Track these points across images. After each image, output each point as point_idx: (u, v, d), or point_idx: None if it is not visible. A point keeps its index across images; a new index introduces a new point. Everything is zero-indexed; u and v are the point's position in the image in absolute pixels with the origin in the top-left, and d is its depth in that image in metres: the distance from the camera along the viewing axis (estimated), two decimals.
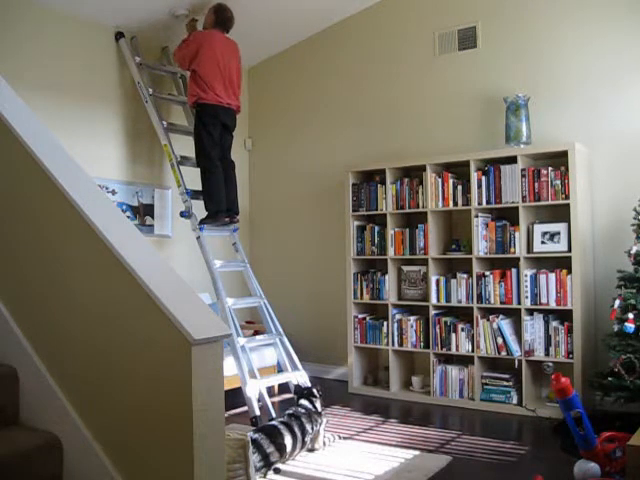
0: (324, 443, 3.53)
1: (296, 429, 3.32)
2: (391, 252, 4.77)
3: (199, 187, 4.76)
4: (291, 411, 3.50)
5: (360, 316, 4.93)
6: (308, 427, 3.40)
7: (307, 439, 3.39)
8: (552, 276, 4.12)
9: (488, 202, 4.37)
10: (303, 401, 3.61)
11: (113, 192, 4.73)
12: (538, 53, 4.51)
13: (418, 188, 4.68)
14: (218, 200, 4.49)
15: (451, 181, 4.54)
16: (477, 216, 4.40)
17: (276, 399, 4.66)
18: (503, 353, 4.27)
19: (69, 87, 4.50)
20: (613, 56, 4.23)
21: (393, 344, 4.73)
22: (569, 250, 4.06)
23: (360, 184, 4.97)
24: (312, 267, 5.58)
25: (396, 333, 4.73)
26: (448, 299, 4.53)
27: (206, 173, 4.51)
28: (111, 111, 4.79)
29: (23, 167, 2.35)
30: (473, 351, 4.38)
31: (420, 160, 4.66)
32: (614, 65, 4.23)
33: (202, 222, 4.50)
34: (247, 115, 6.01)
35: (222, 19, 4.64)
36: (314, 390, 3.71)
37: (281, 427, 3.28)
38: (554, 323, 4.14)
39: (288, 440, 3.23)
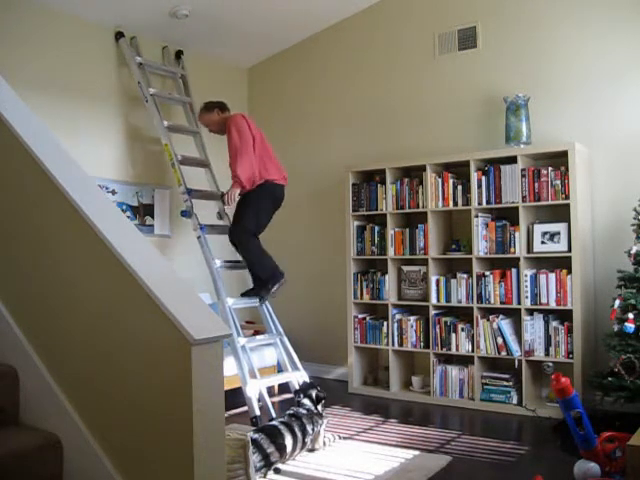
0: (324, 443, 3.53)
1: (297, 429, 3.32)
2: (391, 252, 4.77)
3: (199, 187, 4.77)
4: (292, 411, 3.50)
5: (360, 316, 4.93)
6: (309, 428, 3.39)
7: (307, 439, 3.39)
8: (552, 276, 4.12)
9: (488, 202, 4.37)
10: (305, 401, 3.61)
11: (113, 192, 4.73)
12: (538, 53, 4.52)
13: (418, 188, 4.68)
14: (267, 265, 4.41)
15: (451, 181, 4.54)
16: (477, 216, 4.40)
17: (276, 399, 4.66)
18: (503, 353, 4.27)
19: (69, 87, 4.50)
20: (613, 56, 4.23)
21: (393, 344, 4.73)
22: (569, 250, 4.06)
23: (360, 184, 4.97)
24: (312, 267, 5.57)
25: (396, 333, 4.73)
26: (448, 299, 4.53)
27: (248, 243, 4.40)
28: (111, 111, 4.79)
29: (23, 167, 2.35)
30: (473, 351, 4.38)
31: (420, 160, 4.66)
32: (614, 65, 4.23)
33: (245, 295, 4.45)
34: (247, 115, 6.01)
35: (222, 105, 4.66)
36: (318, 392, 3.69)
37: (281, 427, 3.28)
38: (554, 323, 4.14)
39: (288, 440, 3.23)
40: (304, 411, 3.50)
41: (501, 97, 4.49)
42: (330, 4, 5.16)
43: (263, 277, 4.40)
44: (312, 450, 3.46)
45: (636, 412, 3.62)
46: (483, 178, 4.39)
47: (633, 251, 3.70)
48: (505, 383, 4.28)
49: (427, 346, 4.60)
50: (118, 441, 2.05)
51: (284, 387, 4.54)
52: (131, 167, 4.92)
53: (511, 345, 4.23)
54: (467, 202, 4.46)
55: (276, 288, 4.41)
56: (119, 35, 4.81)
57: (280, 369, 4.61)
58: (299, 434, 3.31)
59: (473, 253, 4.41)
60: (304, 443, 3.36)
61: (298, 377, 4.31)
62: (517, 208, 4.24)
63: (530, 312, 4.22)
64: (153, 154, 5.07)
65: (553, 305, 4.12)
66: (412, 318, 4.70)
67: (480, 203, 4.40)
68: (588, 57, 4.33)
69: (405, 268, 4.82)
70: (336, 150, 5.45)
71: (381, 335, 4.80)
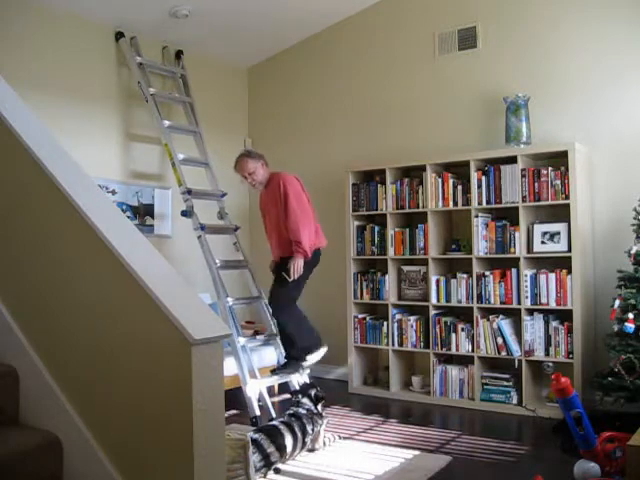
0: (324, 443, 3.53)
1: (297, 429, 3.32)
2: (391, 252, 4.77)
3: (200, 187, 4.76)
4: (292, 411, 3.50)
5: (360, 316, 4.93)
6: (309, 428, 3.39)
7: (307, 439, 3.39)
8: (552, 276, 4.12)
9: (488, 202, 4.37)
10: (305, 400, 3.60)
11: (113, 192, 4.73)
12: (538, 53, 4.52)
13: (418, 188, 4.68)
14: (311, 332, 4.22)
15: (451, 181, 4.54)
16: (477, 216, 4.40)
17: (276, 399, 4.66)
18: (503, 353, 4.27)
19: (69, 87, 4.50)
20: (613, 56, 4.24)
21: (393, 344, 4.73)
22: (569, 250, 4.06)
23: (360, 184, 4.97)
24: None
25: (396, 333, 4.73)
26: (448, 299, 4.53)
27: (292, 311, 4.20)
28: (111, 111, 4.79)
29: (23, 167, 2.35)
30: (473, 351, 4.38)
31: (420, 160, 4.66)
32: (614, 65, 4.23)
33: (278, 370, 4.23)
34: (247, 115, 6.02)
35: (264, 158, 4.30)
36: (317, 391, 3.69)
37: (281, 427, 3.28)
38: (554, 323, 4.14)
39: (288, 440, 3.23)
40: (304, 411, 3.50)
41: (501, 97, 4.48)
42: (330, 4, 5.16)
43: (304, 345, 4.13)
44: (312, 450, 3.46)
45: (636, 412, 3.61)
46: (483, 178, 4.39)
47: (633, 251, 3.70)
48: (505, 383, 4.28)
49: (427, 346, 4.60)
50: (118, 441, 2.05)
51: (284, 387, 4.54)
52: (131, 167, 4.92)
53: (511, 345, 4.23)
54: (467, 202, 4.46)
55: (315, 357, 4.14)
56: (119, 35, 4.81)
57: None
58: (299, 434, 3.31)
59: (473, 253, 4.41)
60: (304, 443, 3.36)
61: (298, 377, 4.30)
62: (517, 208, 4.24)
63: (530, 312, 4.22)
64: (153, 154, 5.07)
65: (553, 305, 4.12)
66: (412, 318, 4.70)
67: (480, 203, 4.40)
68: (588, 57, 4.33)
69: (405, 268, 4.82)
70: (336, 150, 5.45)
71: (381, 335, 4.80)
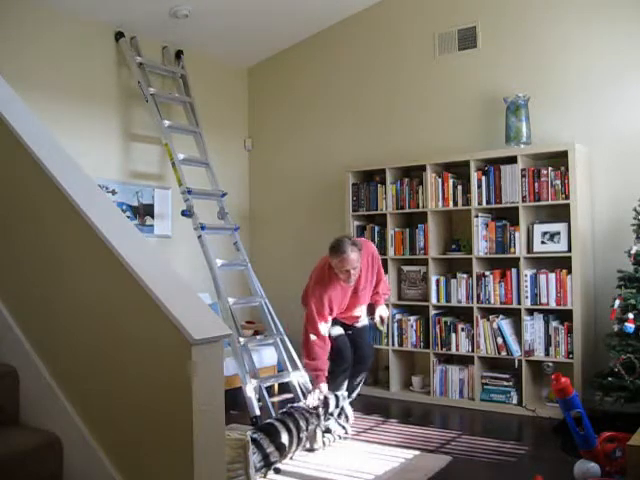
0: (324, 443, 3.53)
1: (291, 425, 3.35)
2: (391, 252, 4.77)
3: (200, 187, 4.76)
4: (285, 409, 3.54)
5: None
6: (302, 423, 3.40)
7: (302, 435, 3.39)
8: (552, 276, 4.12)
9: (488, 202, 4.37)
10: (303, 398, 3.62)
11: (113, 192, 4.73)
12: (538, 53, 4.51)
13: (418, 188, 4.68)
14: None
15: (451, 181, 4.54)
16: (477, 216, 4.40)
17: (276, 399, 4.66)
18: (503, 353, 4.27)
19: (69, 87, 4.50)
20: (613, 56, 4.23)
21: (393, 344, 4.73)
22: (569, 250, 4.06)
23: (360, 184, 4.97)
24: (312, 267, 5.55)
25: (396, 333, 4.73)
26: (448, 299, 4.53)
27: None
28: (111, 111, 4.79)
29: (23, 167, 2.34)
30: (473, 351, 4.38)
31: (420, 160, 4.67)
32: (614, 65, 4.23)
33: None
34: (247, 115, 6.02)
35: None
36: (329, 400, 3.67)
37: (277, 424, 3.32)
38: (554, 323, 4.14)
39: (285, 437, 3.26)
40: (296, 408, 3.53)
41: (501, 97, 4.48)
42: (330, 5, 5.15)
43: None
44: (312, 450, 3.47)
45: (636, 412, 3.61)
46: (483, 178, 4.39)
47: (633, 251, 3.70)
48: (505, 383, 4.28)
49: (427, 346, 4.60)
50: (118, 441, 2.05)
51: (284, 387, 4.54)
52: (131, 167, 4.92)
53: (511, 345, 4.23)
54: (467, 202, 4.46)
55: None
56: (119, 35, 4.81)
57: (280, 369, 4.61)
58: (293, 429, 3.33)
59: (473, 253, 4.41)
60: (299, 439, 3.37)
61: (298, 377, 4.31)
62: (517, 208, 4.24)
63: (530, 312, 4.22)
64: (153, 154, 5.07)
65: (553, 305, 4.12)
66: (412, 318, 4.70)
67: (480, 203, 4.40)
68: (588, 57, 4.33)
69: (405, 268, 4.82)
70: (336, 150, 5.44)
71: (381, 335, 4.80)
